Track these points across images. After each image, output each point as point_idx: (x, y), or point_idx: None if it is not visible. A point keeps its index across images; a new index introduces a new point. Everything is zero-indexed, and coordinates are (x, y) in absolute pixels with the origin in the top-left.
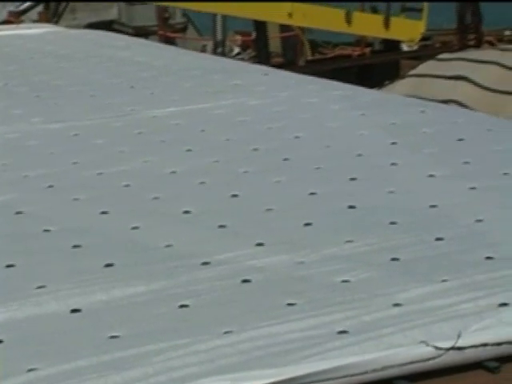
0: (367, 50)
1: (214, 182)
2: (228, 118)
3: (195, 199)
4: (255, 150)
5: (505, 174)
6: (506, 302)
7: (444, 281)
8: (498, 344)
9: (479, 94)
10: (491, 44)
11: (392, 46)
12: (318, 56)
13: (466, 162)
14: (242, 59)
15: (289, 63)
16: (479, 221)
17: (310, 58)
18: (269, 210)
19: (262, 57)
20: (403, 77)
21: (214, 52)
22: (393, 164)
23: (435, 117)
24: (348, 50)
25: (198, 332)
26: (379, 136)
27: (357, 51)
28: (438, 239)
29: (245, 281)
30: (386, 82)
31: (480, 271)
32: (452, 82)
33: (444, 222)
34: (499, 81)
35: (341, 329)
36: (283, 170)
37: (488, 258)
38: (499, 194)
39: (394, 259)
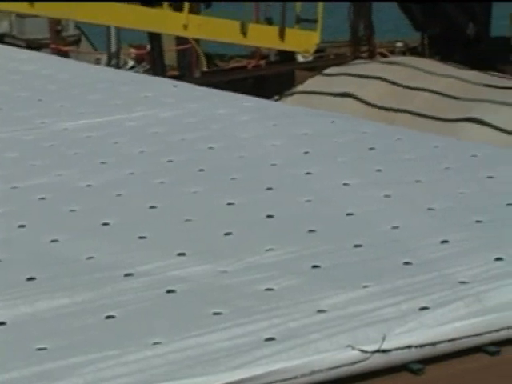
0: (262, 61)
1: (131, 193)
2: (140, 130)
3: (113, 211)
4: (170, 161)
5: (417, 181)
6: (427, 305)
7: (365, 287)
8: (422, 346)
9: (365, 110)
10: (384, 56)
11: (287, 57)
12: (213, 68)
13: (379, 170)
14: (137, 72)
15: (184, 75)
16: (395, 227)
17: (205, 69)
18: (188, 220)
19: (158, 69)
20: (292, 93)
21: (108, 65)
22: (307, 173)
23: (345, 127)
24: (243, 62)
25: (126, 343)
26: (292, 146)
27: (252, 63)
28: (357, 246)
29: (169, 291)
30: (276, 97)
31: (399, 276)
32: (338, 99)
33: (361, 229)
34: (384, 97)
35: (268, 336)
36: (199, 180)
37: (406, 263)
38: (413, 201)
39: (315, 266)
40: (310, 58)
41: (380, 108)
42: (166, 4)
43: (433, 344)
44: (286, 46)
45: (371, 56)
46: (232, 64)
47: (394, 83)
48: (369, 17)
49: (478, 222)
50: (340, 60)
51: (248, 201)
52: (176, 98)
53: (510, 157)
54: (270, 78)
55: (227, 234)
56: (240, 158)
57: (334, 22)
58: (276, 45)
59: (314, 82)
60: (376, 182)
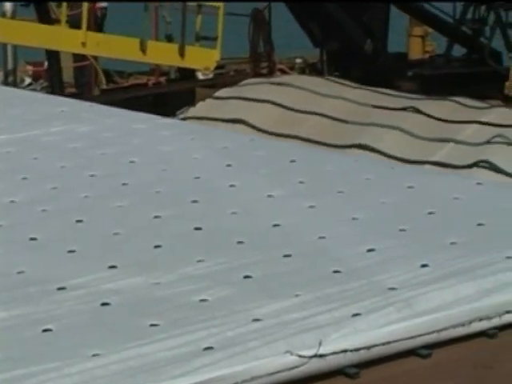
0: (163, 78)
1: (56, 208)
2: (59, 145)
3: (40, 226)
4: (92, 176)
5: (339, 192)
6: (359, 312)
7: (297, 295)
8: (357, 350)
9: (257, 136)
10: (283, 72)
11: (188, 74)
12: (112, 85)
13: (302, 182)
14: (34, 90)
15: (83, 93)
16: (322, 237)
17: (104, 87)
18: (116, 234)
19: (55, 87)
20: (184, 118)
21: (5, 83)
22: (231, 186)
23: (263, 141)
24: (143, 79)
25: (65, 355)
26: (213, 159)
27: (152, 80)
28: (286, 256)
29: (104, 304)
30: (180, 115)
31: (330, 285)
32: (230, 125)
33: (289, 239)
34: (275, 122)
35: (206, 345)
36: (124, 194)
37: (335, 271)
38: (337, 211)
39: (246, 277)
40: (211, 76)
41: (271, 134)
42: (63, 22)
43: (367, 348)
44: (186, 64)
45: (271, 72)
46: (131, 81)
47: (284, 107)
48: (268, 33)
49: (401, 230)
50: (240, 77)
51: (174, 214)
52: (92, 113)
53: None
54: (171, 95)
55: (156, 246)
56: (163, 171)
57: (234, 38)
58: (176, 62)
59: (205, 106)
60: (300, 194)
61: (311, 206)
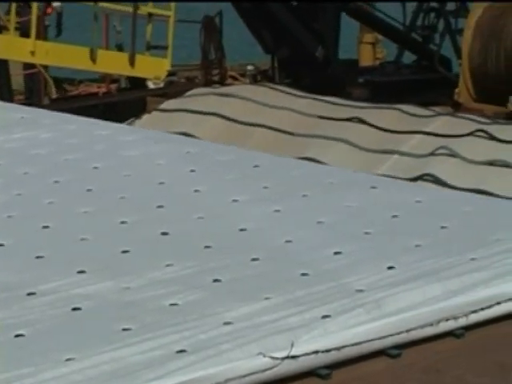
0: (113, 86)
1: (22, 214)
2: (22, 152)
3: (6, 232)
4: (56, 182)
5: (304, 196)
6: (328, 313)
7: (267, 298)
8: (328, 351)
9: None
10: (235, 79)
11: (138, 83)
12: (63, 93)
13: (266, 187)
14: None
15: (32, 102)
16: (288, 241)
17: (54, 96)
18: (83, 239)
19: (4, 95)
20: None
21: None
22: (196, 191)
23: (227, 147)
24: (93, 87)
25: (39, 360)
26: (177, 164)
27: (102, 88)
28: (254, 260)
29: (75, 309)
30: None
31: (299, 287)
32: None
33: (256, 243)
34: (221, 135)
35: (179, 348)
36: (88, 200)
37: (303, 274)
38: (302, 215)
39: (215, 280)
40: (161, 85)
41: None
42: (12, 30)
43: (338, 349)
44: (137, 73)
45: (222, 80)
46: (81, 89)
47: (230, 119)
48: (219, 40)
49: (366, 233)
50: (191, 85)
51: (140, 219)
52: (53, 119)
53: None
54: (121, 104)
55: (124, 251)
56: (126, 176)
57: (186, 44)
58: (126, 71)
59: (151, 119)
60: (264, 198)
61: (276, 211)
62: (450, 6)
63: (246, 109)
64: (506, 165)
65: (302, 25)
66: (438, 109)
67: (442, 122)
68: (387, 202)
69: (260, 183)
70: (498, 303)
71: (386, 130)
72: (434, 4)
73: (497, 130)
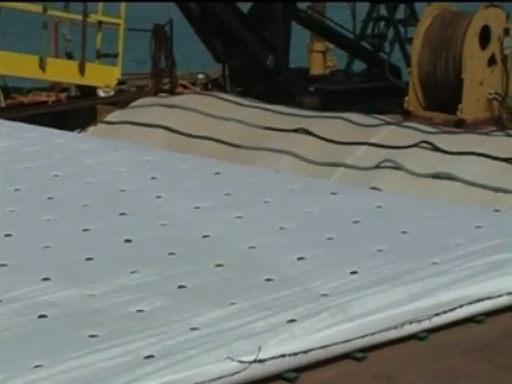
0: (63, 95)
1: None
2: None
3: None
4: (17, 190)
5: (265, 202)
6: (294, 318)
7: (233, 303)
8: (295, 354)
9: None
10: (185, 87)
11: (88, 91)
12: (11, 102)
13: (227, 194)
14: None
15: None
16: (252, 247)
17: (2, 105)
18: (47, 247)
19: None
20: None
21: None
22: (158, 197)
23: (186, 155)
24: (43, 96)
25: (7, 368)
26: (138, 172)
27: (52, 97)
28: (218, 266)
29: (41, 316)
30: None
31: (264, 292)
32: None
33: (219, 250)
34: (165, 148)
35: (147, 354)
36: (50, 208)
37: (268, 279)
38: (264, 221)
39: (181, 287)
40: (112, 93)
41: None
42: None
43: (305, 352)
44: (87, 81)
45: (173, 88)
46: (31, 97)
47: (176, 132)
48: (169, 49)
49: (329, 239)
50: (141, 94)
51: (103, 226)
52: (11, 129)
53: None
54: (71, 113)
55: (88, 259)
56: (87, 184)
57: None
58: (76, 80)
59: (97, 132)
60: (226, 205)
61: (239, 217)
62: (400, 15)
63: (192, 120)
64: (449, 177)
65: (253, 33)
66: (387, 117)
67: (388, 132)
68: (348, 208)
69: (221, 190)
70: (461, 306)
71: (332, 141)
72: (383, 13)
73: (442, 140)
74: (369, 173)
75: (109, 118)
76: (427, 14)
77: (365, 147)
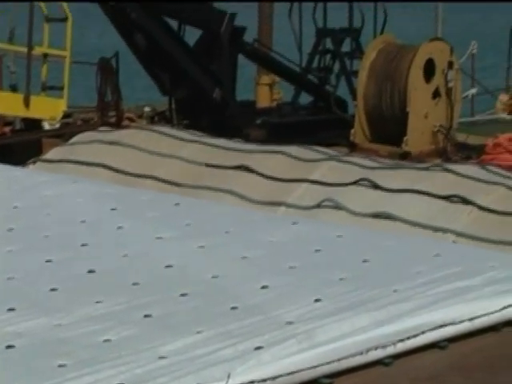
0: (7, 128)
1: None
2: None
3: None
4: None
5: (226, 232)
6: (261, 345)
7: (199, 332)
8: (263, 380)
9: None
10: (132, 120)
11: (34, 124)
12: None
13: (188, 224)
14: None
15: None
16: (215, 276)
17: None
18: (10, 278)
19: None
20: None
21: None
22: (119, 228)
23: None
24: None
25: None
26: (97, 203)
27: None
28: (183, 295)
29: (9, 346)
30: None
31: (230, 321)
32: None
33: (183, 279)
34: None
35: (117, 382)
36: (12, 239)
37: (233, 308)
38: (226, 250)
39: (147, 316)
40: (57, 126)
41: None
42: None
43: (273, 378)
44: (32, 114)
45: (119, 121)
46: None
47: (116, 170)
48: (115, 82)
49: (291, 267)
50: (87, 127)
51: (66, 257)
52: None
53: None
54: (16, 146)
55: (53, 289)
56: (47, 215)
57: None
58: (21, 112)
59: (36, 169)
60: (188, 235)
61: (201, 247)
62: (346, 48)
63: (133, 158)
64: (389, 217)
65: (199, 66)
66: (333, 149)
67: (329, 168)
68: (309, 237)
69: (182, 221)
70: (423, 332)
71: (273, 179)
72: (329, 46)
73: (382, 176)
74: (309, 212)
75: (48, 155)
76: (372, 48)
77: (305, 184)
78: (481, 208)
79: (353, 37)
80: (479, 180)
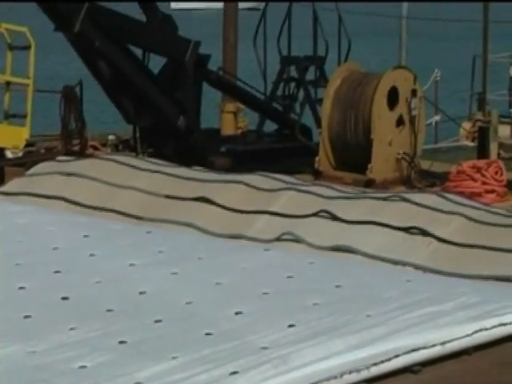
0: None
1: None
2: None
3: None
4: None
5: (199, 258)
6: (236, 370)
7: (174, 358)
8: None
9: None
10: (96, 149)
11: None
12: None
13: (161, 251)
14: None
15: None
16: (189, 303)
17: None
18: None
19: None
20: None
21: None
22: (91, 255)
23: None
24: None
25: None
26: (69, 230)
27: None
28: (157, 321)
29: None
30: None
31: (204, 346)
32: None
33: (157, 306)
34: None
35: None
36: None
37: (207, 334)
38: (199, 277)
39: (121, 342)
40: (20, 154)
41: None
42: None
43: None
44: None
45: (83, 149)
46: None
47: (76, 203)
48: (79, 110)
49: (264, 293)
50: (51, 155)
51: (39, 284)
52: None
53: None
54: None
55: (26, 316)
56: (19, 243)
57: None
58: None
59: None
60: (160, 262)
61: (174, 273)
62: (310, 76)
63: (92, 190)
64: (349, 250)
65: (164, 94)
66: (298, 177)
67: (288, 198)
68: (281, 264)
69: (155, 248)
70: (397, 356)
71: (233, 210)
72: (293, 74)
73: (342, 206)
74: (270, 245)
75: (6, 187)
76: (337, 76)
77: (266, 216)
78: (440, 240)
79: (317, 65)
80: (438, 210)
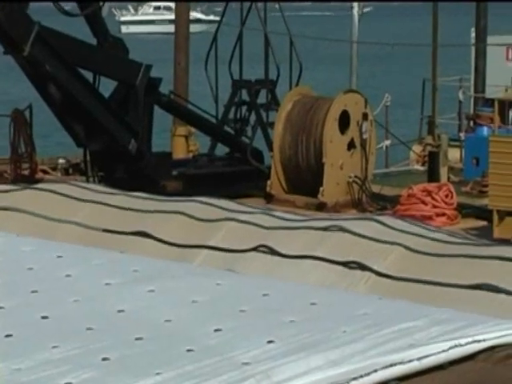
0: None
1: None
2: None
3: None
4: None
5: (173, 276)
6: None
7: (158, 374)
8: None
9: None
10: (46, 173)
11: None
12: None
13: (136, 270)
14: None
15: None
16: (168, 320)
17: None
18: None
19: None
20: None
21: None
22: (67, 275)
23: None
24: None
25: None
26: (43, 251)
27: None
28: (138, 339)
29: None
30: None
31: (187, 362)
32: None
33: (137, 323)
34: None
35: None
36: None
37: (189, 350)
38: (176, 295)
39: (104, 359)
40: None
41: None
42: None
43: None
44: None
45: (32, 173)
46: None
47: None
48: (29, 134)
49: (241, 311)
50: (0, 180)
51: (17, 304)
52: None
53: None
54: None
55: (8, 335)
56: None
57: None
58: None
59: None
60: (137, 280)
61: (151, 291)
62: (261, 100)
63: (28, 225)
64: None
65: (114, 117)
66: (249, 201)
67: (228, 230)
68: (255, 281)
69: (130, 267)
70: (375, 371)
71: (172, 244)
72: (245, 97)
73: (282, 238)
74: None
75: None
76: (288, 99)
77: (205, 251)
78: (377, 274)
79: (268, 88)
80: (377, 240)
